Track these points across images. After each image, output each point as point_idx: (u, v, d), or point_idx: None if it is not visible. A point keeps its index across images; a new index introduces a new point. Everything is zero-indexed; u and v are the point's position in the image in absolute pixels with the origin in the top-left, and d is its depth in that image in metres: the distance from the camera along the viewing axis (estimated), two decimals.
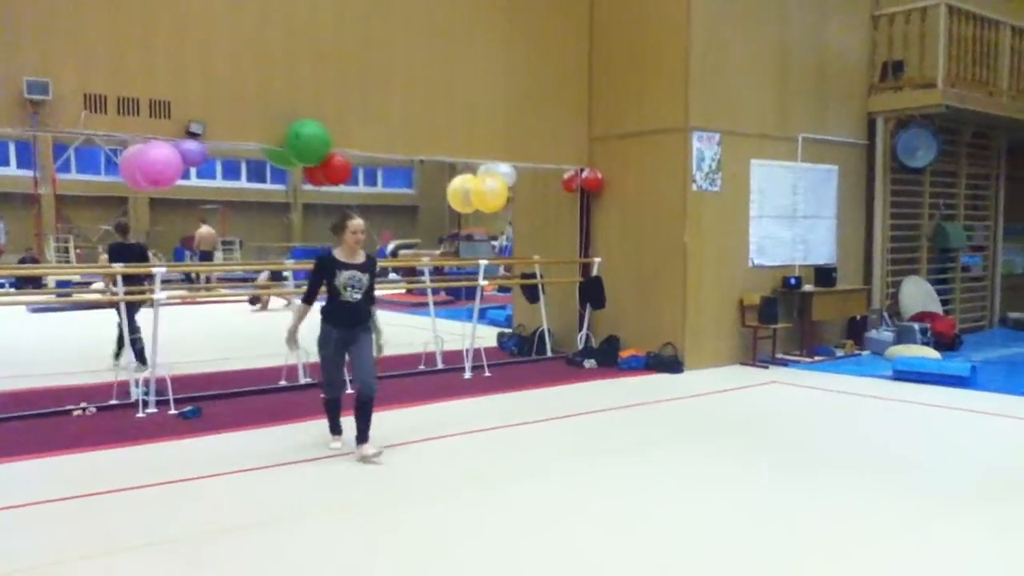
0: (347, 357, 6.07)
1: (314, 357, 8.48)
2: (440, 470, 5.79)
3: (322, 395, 6.33)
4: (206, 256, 22.11)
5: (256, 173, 32.13)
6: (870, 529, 4.65)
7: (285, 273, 9.83)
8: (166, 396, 7.47)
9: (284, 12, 8.28)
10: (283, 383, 8.55)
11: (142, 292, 8.48)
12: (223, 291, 15.60)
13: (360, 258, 5.95)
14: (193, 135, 7.64)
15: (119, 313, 8.08)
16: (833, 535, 4.57)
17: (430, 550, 4.35)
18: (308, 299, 5.99)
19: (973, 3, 11.61)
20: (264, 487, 5.42)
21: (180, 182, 8.22)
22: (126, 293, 7.96)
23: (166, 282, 8.11)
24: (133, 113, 7.45)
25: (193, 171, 28.13)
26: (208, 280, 17.14)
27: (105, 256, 9.51)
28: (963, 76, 11.50)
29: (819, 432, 7.09)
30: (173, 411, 7.35)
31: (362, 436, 5.98)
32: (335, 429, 6.33)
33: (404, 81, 9.07)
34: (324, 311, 5.96)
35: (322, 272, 5.89)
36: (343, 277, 5.82)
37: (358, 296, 5.88)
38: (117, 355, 9.22)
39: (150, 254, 10.10)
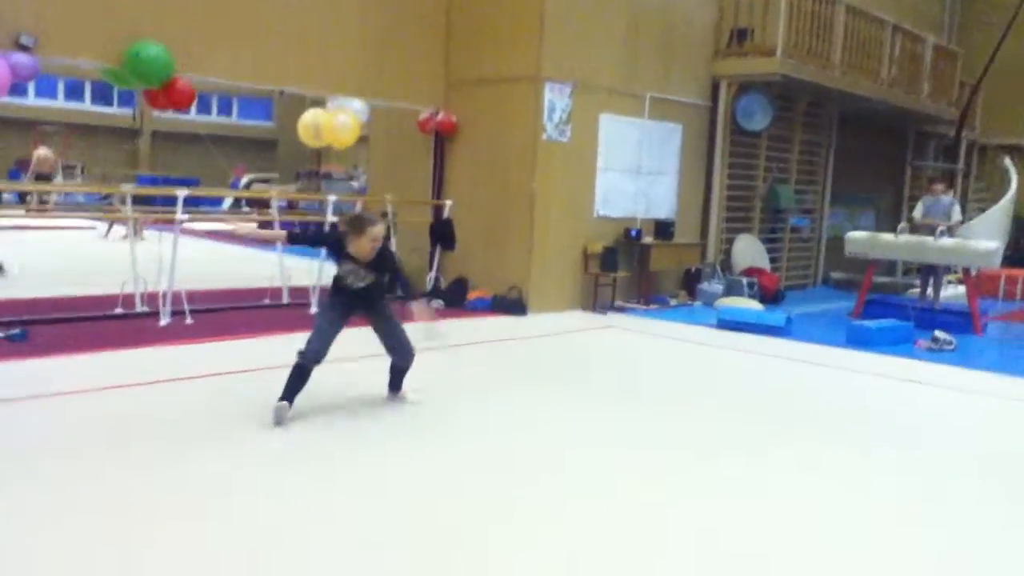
0: (343, 327, 5.49)
1: (153, 285, 8.44)
2: (267, 400, 5.86)
3: (297, 358, 5.32)
4: (44, 179, 20.82)
5: (101, 95, 30.23)
6: (680, 455, 5.09)
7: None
8: None
9: None
10: (119, 310, 8.34)
11: None
12: (57, 213, 14.87)
13: (369, 258, 5.34)
14: (23, 48, 7.24)
15: None
16: (647, 461, 4.97)
17: (268, 479, 4.48)
18: (292, 238, 5.66)
19: None
20: (88, 411, 5.37)
21: (17, 100, 7.85)
22: None
23: None
24: None
25: (32, 90, 26.24)
26: (43, 202, 16.22)
27: None
28: (800, 47, 12.20)
29: (646, 372, 7.61)
30: None
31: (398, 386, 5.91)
32: (289, 396, 5.28)
33: (255, 6, 8.83)
34: (333, 280, 5.54)
35: (326, 247, 5.63)
36: (344, 267, 5.38)
37: (361, 285, 5.41)
38: None
39: None
